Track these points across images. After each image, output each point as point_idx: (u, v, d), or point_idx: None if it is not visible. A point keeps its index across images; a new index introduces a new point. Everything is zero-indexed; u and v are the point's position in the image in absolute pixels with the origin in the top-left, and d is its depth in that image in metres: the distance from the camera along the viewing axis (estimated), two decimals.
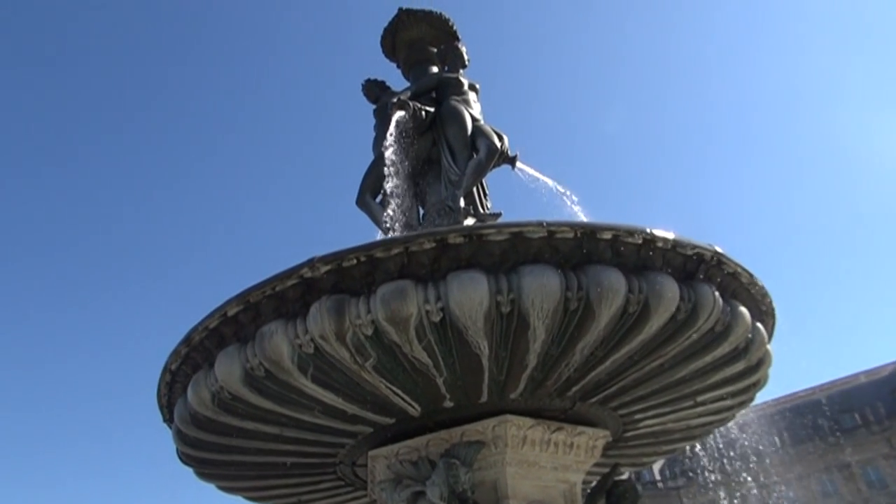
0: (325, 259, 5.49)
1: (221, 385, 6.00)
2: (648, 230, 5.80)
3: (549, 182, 9.96)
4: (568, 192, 9.78)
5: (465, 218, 8.73)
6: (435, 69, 10.85)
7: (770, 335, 7.32)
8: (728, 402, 7.62)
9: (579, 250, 5.66)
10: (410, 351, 5.61)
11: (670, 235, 5.88)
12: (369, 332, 5.43)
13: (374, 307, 5.36)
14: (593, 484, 7.79)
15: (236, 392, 6.00)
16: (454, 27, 11.09)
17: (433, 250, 5.46)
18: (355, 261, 5.47)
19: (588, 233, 5.60)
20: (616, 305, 5.55)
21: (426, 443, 6.70)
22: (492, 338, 5.61)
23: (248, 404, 6.17)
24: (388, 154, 8.17)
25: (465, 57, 10.58)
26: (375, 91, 10.80)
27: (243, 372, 5.83)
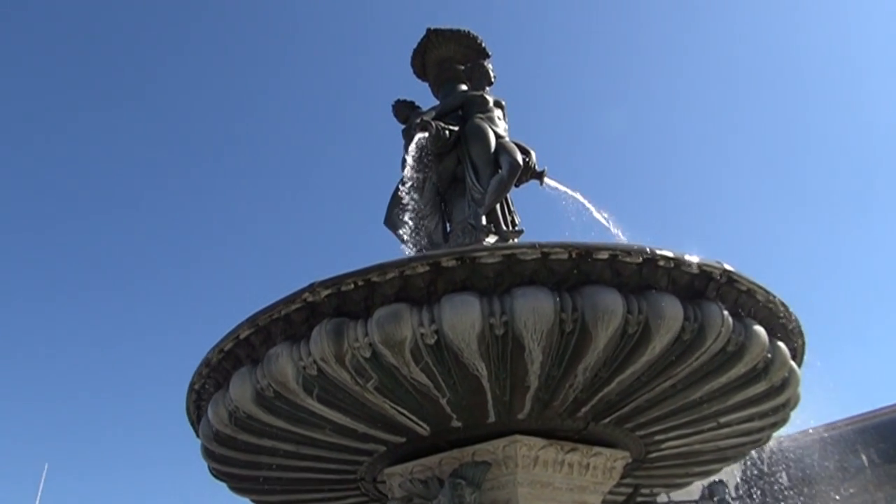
0: (324, 283, 5.68)
1: (236, 405, 6.28)
2: (648, 249, 5.70)
3: (579, 197, 9.90)
4: (596, 208, 9.69)
5: (487, 236, 8.78)
6: (464, 87, 10.97)
7: (797, 354, 7.02)
8: (757, 424, 7.34)
9: (575, 271, 5.63)
10: (409, 373, 5.71)
11: (671, 254, 5.76)
12: (367, 354, 5.57)
13: (370, 330, 5.51)
14: None
15: (249, 411, 6.26)
16: (483, 44, 11.18)
17: (428, 273, 5.56)
18: (353, 285, 5.64)
19: (583, 254, 5.56)
20: (613, 326, 5.49)
21: (439, 462, 6.77)
22: (489, 360, 5.65)
23: (262, 423, 6.42)
24: (406, 175, 8.32)
25: (492, 74, 10.65)
26: (405, 111, 11.01)
27: (254, 392, 6.09)
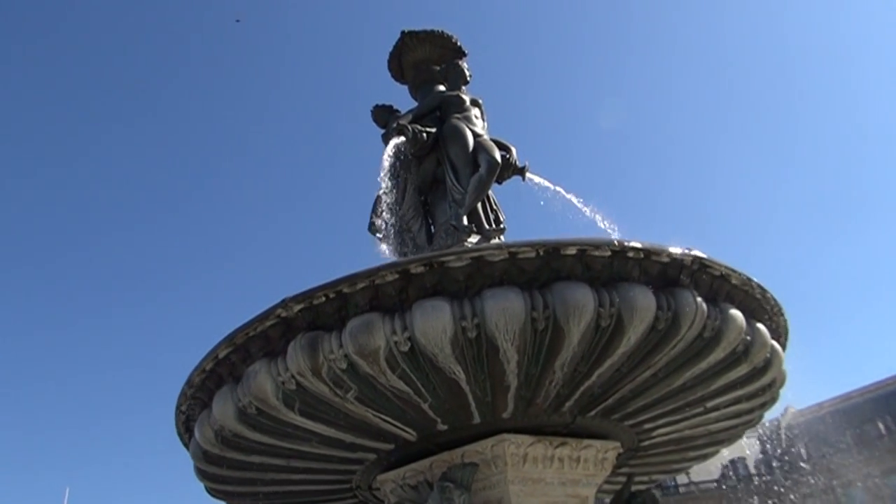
0: (296, 298, 5.71)
1: (221, 424, 6.32)
2: (616, 241, 5.70)
3: (561, 191, 9.87)
4: (583, 203, 9.66)
5: (469, 236, 8.77)
6: (442, 88, 10.96)
7: (780, 334, 7.01)
8: (745, 405, 7.34)
9: (546, 269, 5.63)
10: (387, 381, 5.73)
11: (640, 244, 5.75)
12: (343, 365, 5.60)
13: (344, 341, 5.53)
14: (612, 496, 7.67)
15: (234, 429, 6.30)
16: (458, 43, 11.15)
17: (398, 281, 5.57)
18: (325, 298, 5.66)
19: (551, 250, 5.56)
20: (585, 321, 5.49)
21: (430, 465, 6.80)
22: (465, 363, 5.66)
23: (249, 440, 6.46)
24: (381, 180, 8.33)
25: (467, 73, 10.63)
26: (384, 116, 11.00)
27: (237, 410, 6.12)
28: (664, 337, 5.87)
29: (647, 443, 7.73)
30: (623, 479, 8.03)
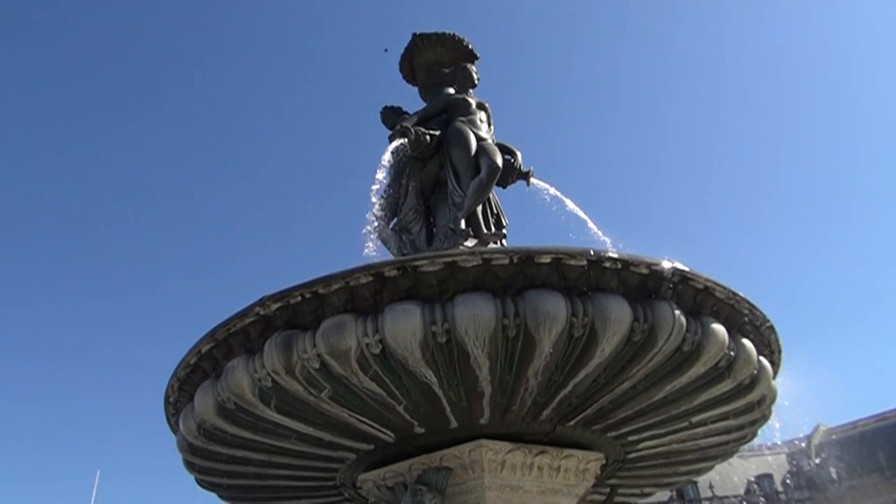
0: (273, 297, 5.79)
1: (202, 417, 6.44)
2: (592, 251, 5.65)
3: (565, 199, 9.81)
4: (584, 209, 9.59)
5: (466, 240, 8.77)
6: (451, 90, 10.98)
7: (772, 351, 6.86)
8: (734, 422, 7.20)
9: (521, 276, 5.61)
10: (359, 382, 5.78)
11: (617, 255, 5.69)
12: (317, 365, 5.66)
13: (318, 342, 5.59)
14: None
15: (214, 423, 6.42)
16: (469, 46, 11.14)
17: (373, 283, 5.61)
18: (300, 297, 5.73)
19: (525, 258, 5.54)
20: (556, 330, 5.46)
21: (409, 467, 6.82)
22: (436, 367, 5.67)
23: (228, 434, 6.58)
24: (378, 180, 8.38)
25: (475, 76, 10.62)
26: (392, 118, 11.03)
27: (216, 405, 6.24)
28: (641, 349, 5.80)
29: (633, 455, 7.63)
30: (623, 492, 7.96)
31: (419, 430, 6.51)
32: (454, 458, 6.65)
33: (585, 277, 5.70)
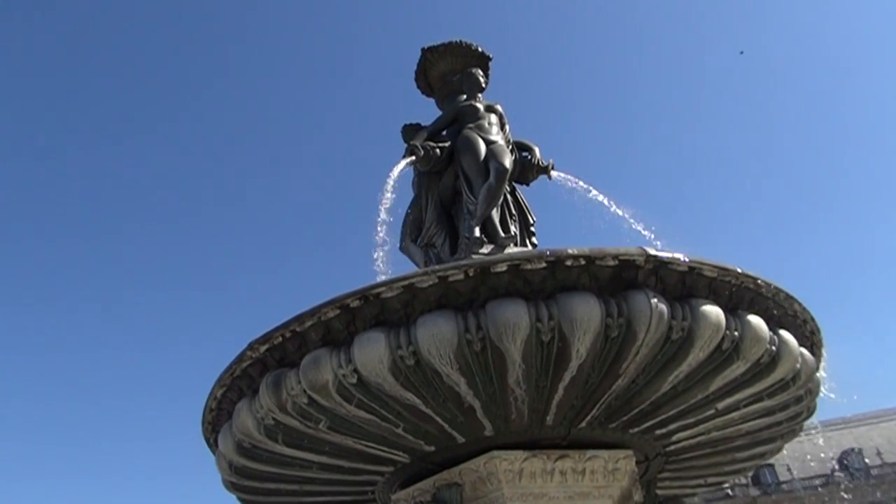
0: (259, 340, 6.09)
1: (229, 459, 6.88)
2: (549, 251, 5.47)
3: (590, 189, 9.49)
4: (610, 199, 9.23)
5: (480, 247, 8.70)
6: (463, 97, 10.96)
7: (787, 324, 6.27)
8: (772, 402, 6.64)
9: (482, 288, 5.53)
10: (347, 412, 5.94)
11: (578, 251, 5.45)
12: (305, 400, 5.88)
13: (301, 378, 5.81)
14: None
15: (239, 462, 6.84)
16: (479, 49, 11.06)
17: (342, 315, 5.76)
18: (281, 338, 5.99)
19: (479, 271, 5.46)
20: (521, 338, 5.33)
21: (433, 484, 6.88)
22: (415, 389, 5.71)
23: (255, 470, 6.96)
24: (383, 206, 8.51)
25: (481, 80, 10.52)
26: (412, 134, 11.20)
27: (235, 445, 6.64)
28: (623, 344, 5.52)
29: (673, 448, 7.23)
30: (667, 485, 7.60)
31: (428, 448, 6.57)
32: (471, 472, 6.63)
33: (551, 280, 5.53)
